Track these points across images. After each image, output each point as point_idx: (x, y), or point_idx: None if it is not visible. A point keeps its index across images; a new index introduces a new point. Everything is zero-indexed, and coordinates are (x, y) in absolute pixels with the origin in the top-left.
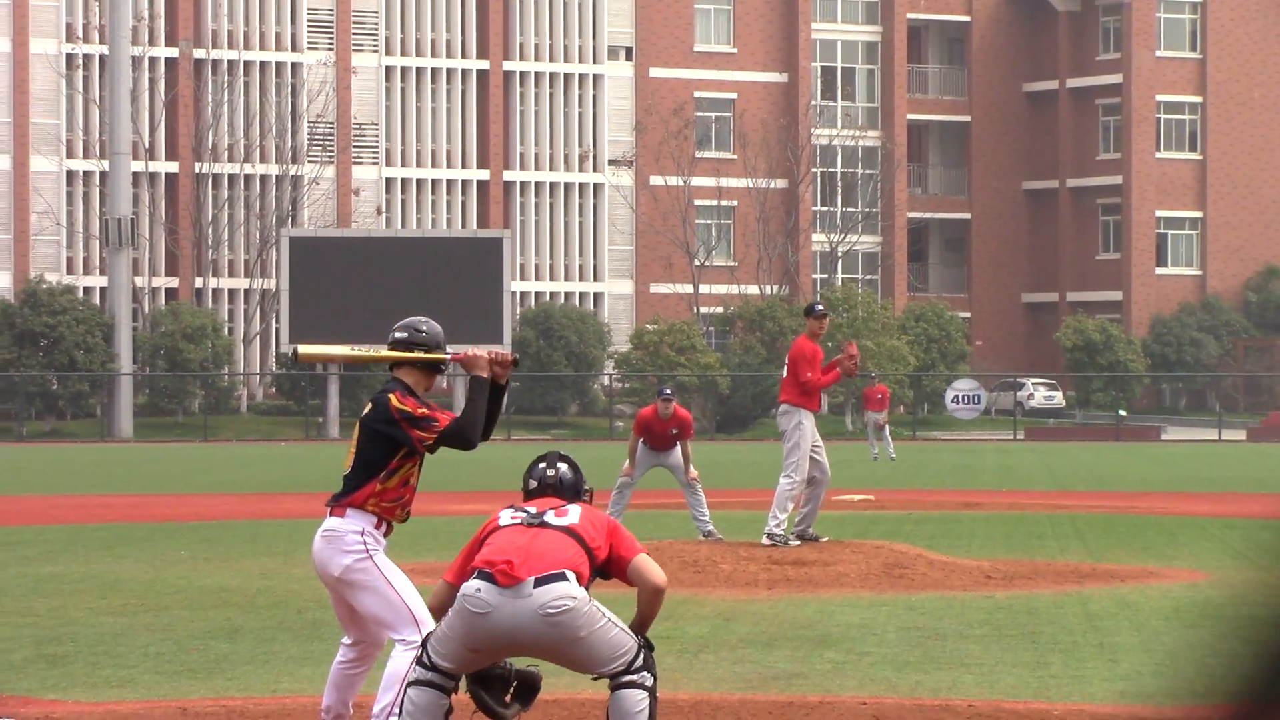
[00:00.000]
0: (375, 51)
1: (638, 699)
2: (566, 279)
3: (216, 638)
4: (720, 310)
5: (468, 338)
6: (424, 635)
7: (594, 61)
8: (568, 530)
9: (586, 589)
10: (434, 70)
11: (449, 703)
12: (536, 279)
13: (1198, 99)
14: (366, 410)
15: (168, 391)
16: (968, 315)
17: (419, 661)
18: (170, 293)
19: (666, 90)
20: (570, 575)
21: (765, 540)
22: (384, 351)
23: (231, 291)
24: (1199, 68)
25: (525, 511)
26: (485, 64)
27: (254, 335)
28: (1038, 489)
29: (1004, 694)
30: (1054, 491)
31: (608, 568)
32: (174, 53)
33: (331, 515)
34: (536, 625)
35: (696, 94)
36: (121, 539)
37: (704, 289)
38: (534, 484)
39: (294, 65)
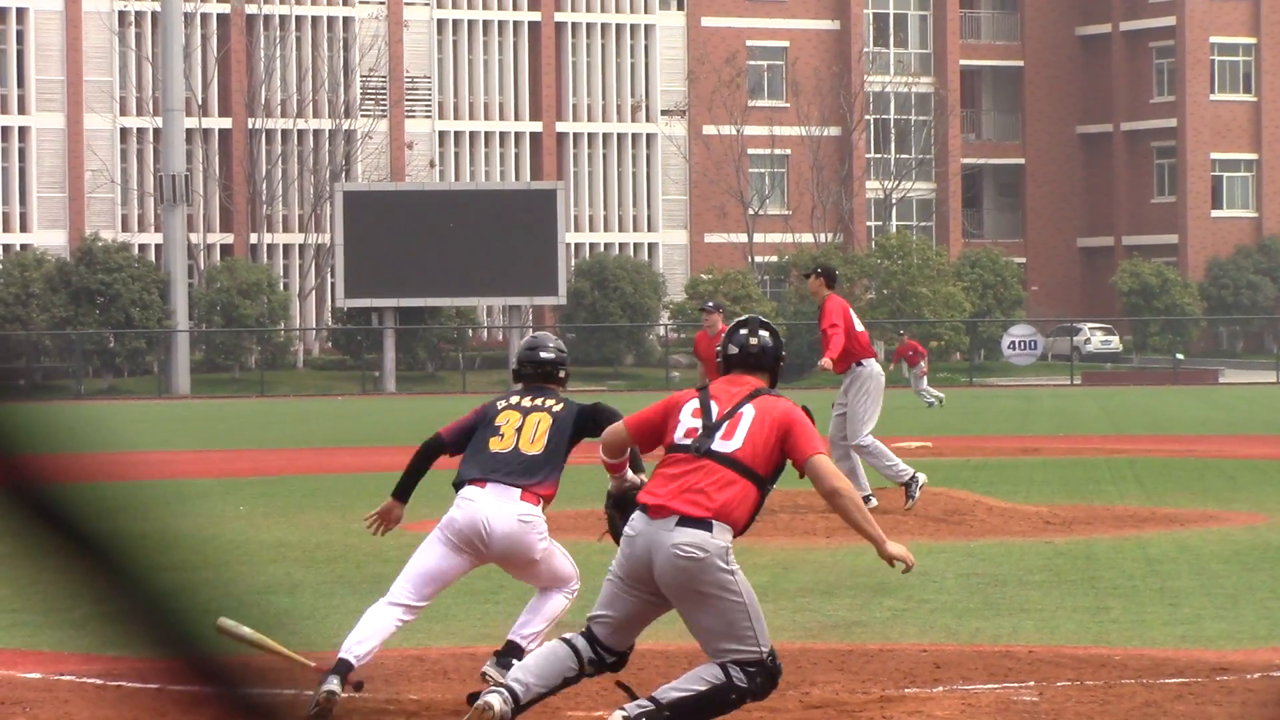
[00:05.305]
0: (427, 4)
1: (721, 691)
2: (621, 230)
3: (276, 593)
4: (775, 259)
5: (523, 289)
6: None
7: (645, 11)
8: (732, 461)
9: (755, 513)
10: (485, 22)
11: (576, 667)
12: (591, 230)
13: (1252, 40)
14: (563, 408)
15: (224, 347)
16: (1023, 261)
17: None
18: (225, 249)
19: (718, 39)
20: (716, 525)
21: (914, 496)
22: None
23: (286, 247)
24: (1252, 8)
25: (702, 416)
26: (537, 15)
27: (309, 290)
28: (1095, 434)
29: (1064, 639)
30: (1112, 436)
31: (789, 457)
32: (226, 8)
33: (523, 499)
34: (669, 561)
35: (749, 43)
36: (179, 495)
37: (758, 238)
38: (734, 350)
39: (345, 19)
